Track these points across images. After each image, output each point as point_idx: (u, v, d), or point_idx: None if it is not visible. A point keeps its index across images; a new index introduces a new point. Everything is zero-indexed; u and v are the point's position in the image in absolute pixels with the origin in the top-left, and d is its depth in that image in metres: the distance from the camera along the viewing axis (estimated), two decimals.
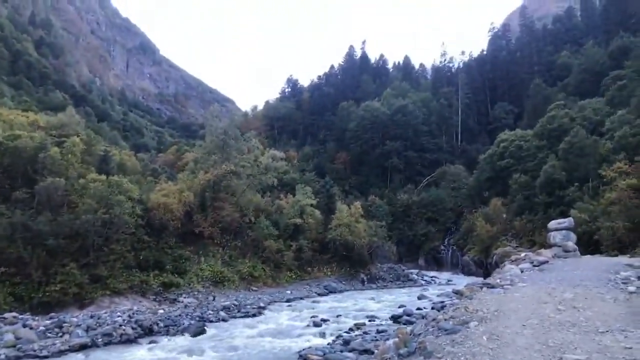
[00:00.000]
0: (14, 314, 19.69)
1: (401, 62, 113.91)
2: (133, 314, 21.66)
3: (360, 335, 18.24)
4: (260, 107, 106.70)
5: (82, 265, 23.95)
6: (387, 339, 12.82)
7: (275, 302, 29.40)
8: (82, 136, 33.29)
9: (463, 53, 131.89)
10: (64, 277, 22.63)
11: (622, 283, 11.62)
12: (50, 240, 23.15)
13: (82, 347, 16.80)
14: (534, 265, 17.15)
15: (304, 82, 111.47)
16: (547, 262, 17.84)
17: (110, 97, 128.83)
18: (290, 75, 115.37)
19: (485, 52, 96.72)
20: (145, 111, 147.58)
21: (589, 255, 23.21)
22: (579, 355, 6.04)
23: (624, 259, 18.61)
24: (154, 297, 26.22)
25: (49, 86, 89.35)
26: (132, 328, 19.25)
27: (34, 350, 15.88)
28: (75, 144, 29.38)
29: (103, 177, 27.69)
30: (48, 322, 19.34)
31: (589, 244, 29.10)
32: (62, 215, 24.86)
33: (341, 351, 15.33)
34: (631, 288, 10.75)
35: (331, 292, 34.68)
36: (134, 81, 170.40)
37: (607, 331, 7.21)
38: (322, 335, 18.96)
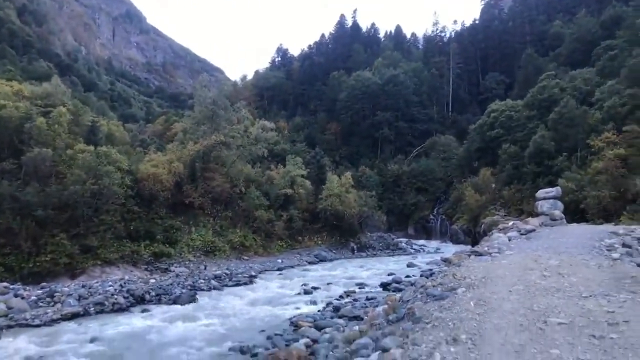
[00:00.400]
0: (4, 284, 19.68)
1: (393, 31, 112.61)
2: (124, 283, 21.78)
3: (350, 302, 18.55)
4: (250, 76, 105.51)
5: (72, 235, 23.88)
6: (377, 306, 13.07)
7: (266, 270, 29.70)
8: (69, 106, 32.70)
9: (455, 22, 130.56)
10: (54, 247, 22.59)
11: (607, 250, 11.86)
12: (39, 211, 23.00)
13: (75, 316, 16.91)
14: (522, 234, 17.41)
15: (295, 51, 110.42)
16: (534, 230, 18.12)
17: (97, 67, 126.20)
18: (280, 45, 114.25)
19: (477, 22, 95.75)
20: (132, 81, 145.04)
21: (575, 224, 23.60)
22: (563, 319, 6.19)
23: (608, 227, 18.96)
24: (146, 266, 26.34)
25: (33, 55, 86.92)
26: (124, 297, 19.38)
27: (26, 320, 15.96)
28: (62, 114, 28.86)
29: (91, 147, 27.36)
30: (39, 291, 19.42)
31: (575, 213, 29.59)
32: (50, 186, 24.64)
33: (331, 318, 15.61)
34: (615, 255, 10.98)
35: (321, 260, 35.08)
36: (120, 50, 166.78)
37: (590, 296, 7.39)
38: (313, 302, 19.25)
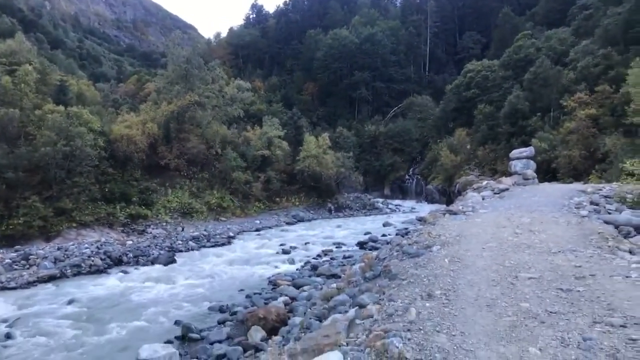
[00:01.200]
0: None
1: None
2: (101, 245, 21.66)
3: (327, 261, 18.90)
4: (224, 34, 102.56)
5: (45, 198, 23.48)
6: (354, 264, 13.33)
7: (244, 231, 29.87)
8: (35, 64, 31.48)
9: None
10: (26, 210, 22.19)
11: (575, 208, 12.22)
12: (8, 173, 22.48)
13: (51, 278, 16.85)
14: (495, 193, 17.76)
15: (270, 8, 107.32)
16: (507, 189, 18.50)
17: (63, 23, 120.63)
18: (255, 1, 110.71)
19: None
20: (102, 38, 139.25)
21: (546, 183, 24.19)
22: (533, 274, 6.44)
23: (578, 186, 19.48)
24: (122, 228, 26.20)
25: None
26: (101, 259, 19.33)
27: (1, 282, 15.83)
28: (28, 72, 27.76)
29: (61, 108, 26.54)
30: (14, 254, 19.20)
31: (547, 172, 30.34)
32: (20, 147, 24.00)
33: (309, 276, 15.91)
34: (583, 212, 11.34)
35: (299, 221, 35.39)
36: (87, 6, 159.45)
37: (559, 252, 7.67)
38: (291, 261, 19.54)
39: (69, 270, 17.77)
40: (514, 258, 7.40)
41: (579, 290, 5.63)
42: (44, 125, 25.10)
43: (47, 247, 21.26)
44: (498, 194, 17.46)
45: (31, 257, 18.77)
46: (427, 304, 5.51)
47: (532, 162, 23.56)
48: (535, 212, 11.87)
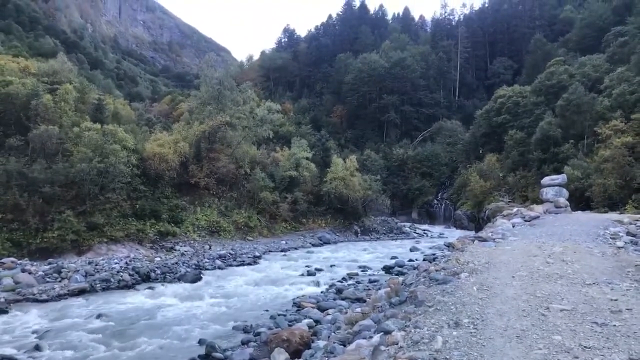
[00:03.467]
0: (12, 259, 19.96)
1: (401, 13, 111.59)
2: (130, 261, 22.02)
3: (352, 284, 18.72)
4: (256, 57, 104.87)
5: (78, 212, 24.11)
6: (379, 288, 13.17)
7: (270, 251, 29.91)
8: (75, 83, 32.68)
9: (464, 5, 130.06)
10: (61, 224, 22.82)
11: (611, 238, 11.87)
12: (46, 187, 23.20)
13: (81, 292, 17.19)
14: (526, 220, 17.44)
15: (301, 32, 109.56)
16: (538, 217, 18.15)
17: (103, 45, 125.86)
18: (287, 25, 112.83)
19: (486, 5, 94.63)
20: (138, 59, 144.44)
21: (579, 212, 23.61)
22: (565, 306, 6.25)
23: (613, 216, 18.94)
24: (151, 245, 26.57)
25: (39, 31, 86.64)
26: (130, 274, 19.62)
27: (34, 294, 16.21)
28: (69, 91, 28.90)
29: (97, 125, 27.39)
30: (47, 267, 19.66)
31: (580, 201, 29.54)
32: (57, 163, 24.82)
33: (334, 299, 15.77)
34: (619, 243, 11.00)
35: (325, 243, 35.25)
36: (126, 28, 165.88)
37: (593, 283, 7.43)
38: (316, 284, 19.41)
39: (99, 285, 18.09)
40: (545, 288, 7.21)
41: (614, 325, 5.43)
42: (80, 142, 25.93)
43: (78, 260, 21.71)
44: (529, 221, 17.13)
45: (63, 270, 19.18)
46: (454, 333, 5.41)
47: (564, 190, 23.08)
48: (568, 241, 11.57)
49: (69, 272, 19.00)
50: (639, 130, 30.44)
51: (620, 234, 12.39)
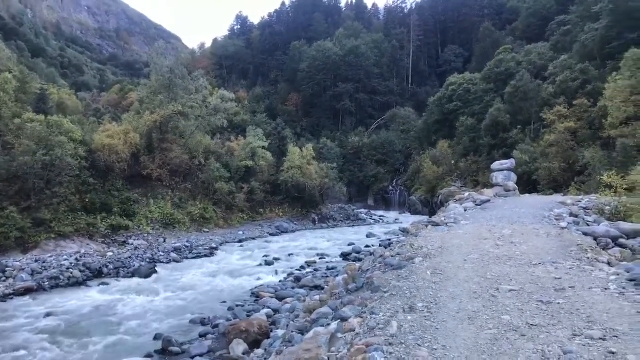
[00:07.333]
0: None
1: (354, 1, 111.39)
2: (81, 257, 21.28)
3: (310, 272, 18.84)
4: (208, 45, 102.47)
5: (23, 208, 22.96)
6: (337, 276, 13.29)
7: (227, 242, 29.62)
8: (15, 72, 30.99)
9: None
10: (3, 220, 21.65)
11: (555, 220, 12.38)
12: None
13: (28, 291, 16.50)
14: (477, 204, 17.90)
15: (255, 19, 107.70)
16: (489, 201, 18.67)
17: (44, 31, 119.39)
18: (240, 12, 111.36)
19: None
20: (84, 47, 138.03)
21: (527, 194, 24.51)
22: (514, 286, 6.49)
23: (558, 197, 19.79)
24: (103, 240, 25.71)
25: None
26: (81, 271, 19.00)
27: None
28: (8, 80, 27.29)
29: (41, 117, 26.09)
30: None
31: (528, 184, 30.78)
32: None
33: (292, 288, 15.83)
34: (563, 224, 11.49)
35: (283, 232, 35.23)
36: (70, 14, 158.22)
37: (539, 263, 7.75)
38: (274, 273, 19.42)
39: (47, 283, 17.41)
40: (495, 270, 7.46)
41: (559, 303, 5.68)
42: (22, 135, 24.65)
43: (24, 259, 20.74)
44: (480, 205, 17.60)
45: (7, 269, 18.34)
46: (409, 317, 5.51)
47: (513, 174, 23.87)
48: (517, 223, 12.00)
49: (13, 271, 18.20)
50: (581, 115, 31.90)
51: (564, 215, 12.95)
